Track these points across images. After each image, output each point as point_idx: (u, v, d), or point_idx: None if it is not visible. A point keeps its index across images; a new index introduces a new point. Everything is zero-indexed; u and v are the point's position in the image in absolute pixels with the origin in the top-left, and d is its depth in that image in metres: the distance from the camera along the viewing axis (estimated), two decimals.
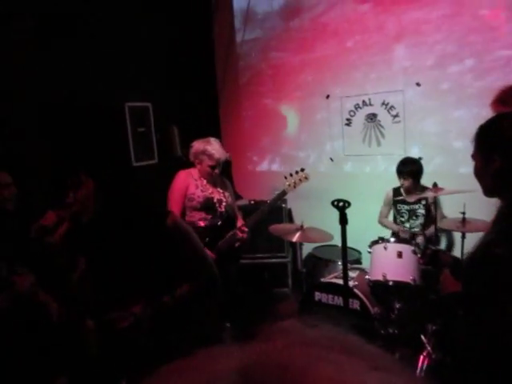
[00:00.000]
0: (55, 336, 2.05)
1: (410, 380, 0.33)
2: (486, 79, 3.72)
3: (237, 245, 3.32)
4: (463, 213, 3.14)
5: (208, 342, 0.37)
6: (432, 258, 2.06)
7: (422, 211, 3.79)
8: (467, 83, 3.87)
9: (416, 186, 3.70)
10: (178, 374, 0.33)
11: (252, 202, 4.60)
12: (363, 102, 4.44)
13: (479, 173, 1.46)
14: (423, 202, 3.77)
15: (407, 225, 3.85)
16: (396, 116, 4.29)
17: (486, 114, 3.73)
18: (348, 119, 4.58)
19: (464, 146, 3.96)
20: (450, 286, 1.63)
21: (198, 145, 3.27)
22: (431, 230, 3.61)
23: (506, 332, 1.24)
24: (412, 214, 3.83)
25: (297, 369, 0.30)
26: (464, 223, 3.14)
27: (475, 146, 1.46)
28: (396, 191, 3.89)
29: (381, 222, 4.02)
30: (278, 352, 0.32)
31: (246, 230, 3.30)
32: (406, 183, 3.69)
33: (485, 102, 3.73)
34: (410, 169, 3.66)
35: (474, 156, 1.48)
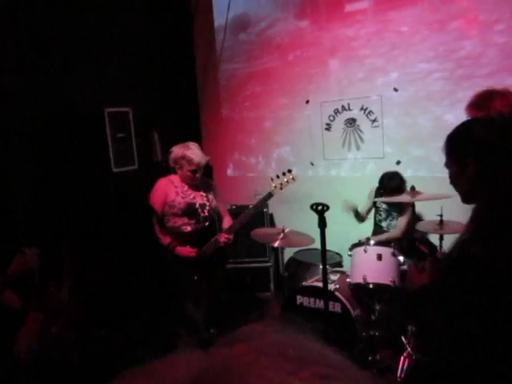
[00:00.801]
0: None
1: None
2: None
3: (222, 241, 3.29)
4: (440, 215, 3.21)
5: (164, 350, 0.38)
6: (410, 249, 1.99)
7: (397, 214, 3.86)
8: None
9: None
10: (133, 380, 0.33)
11: (234, 207, 4.61)
12: (342, 107, 4.50)
13: (455, 180, 1.48)
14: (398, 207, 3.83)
15: (384, 224, 3.91)
16: (375, 120, 4.36)
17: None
18: (328, 124, 4.63)
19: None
20: (415, 281, 1.65)
21: (176, 150, 3.23)
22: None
23: (481, 331, 1.27)
24: (388, 214, 3.89)
25: (239, 376, 0.31)
26: (441, 225, 3.21)
27: (447, 154, 1.48)
28: (378, 190, 3.91)
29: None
30: (227, 359, 0.33)
31: (228, 236, 3.30)
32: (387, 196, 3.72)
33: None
34: (390, 185, 3.66)
35: (447, 164, 1.50)
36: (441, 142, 1.53)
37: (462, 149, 1.43)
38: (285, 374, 0.32)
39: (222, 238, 3.27)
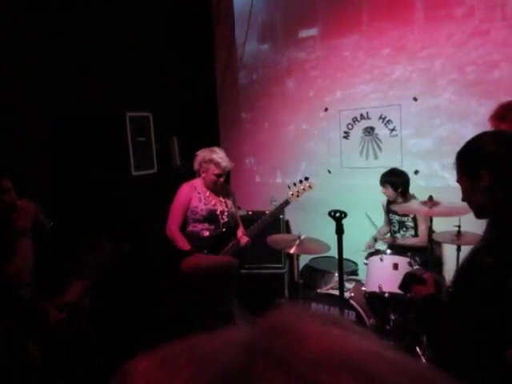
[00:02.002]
0: (52, 341, 2.06)
1: (367, 337, 0.37)
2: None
3: (243, 243, 3.35)
4: (458, 226, 3.18)
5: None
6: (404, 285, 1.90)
7: (410, 224, 3.84)
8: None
9: (402, 198, 3.75)
10: (189, 344, 0.36)
11: (250, 213, 4.63)
12: (361, 115, 4.51)
13: (468, 194, 1.49)
14: (411, 215, 3.82)
15: (398, 235, 3.90)
16: (393, 130, 4.35)
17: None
18: (346, 132, 4.64)
19: None
20: (420, 292, 1.67)
21: (203, 153, 3.29)
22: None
23: (490, 338, 1.27)
24: (401, 225, 3.88)
25: (292, 333, 0.34)
26: (459, 236, 3.18)
27: (458, 169, 1.51)
28: (388, 202, 3.94)
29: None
30: (277, 322, 0.36)
31: (247, 239, 3.34)
32: (386, 192, 3.78)
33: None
34: (389, 178, 3.74)
35: (459, 180, 1.52)
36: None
37: (475, 162, 1.45)
38: (327, 326, 0.35)
39: (244, 239, 3.32)
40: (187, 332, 0.37)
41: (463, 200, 1.54)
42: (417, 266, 3.27)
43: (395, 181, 3.74)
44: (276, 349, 0.32)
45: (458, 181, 1.53)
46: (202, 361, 0.33)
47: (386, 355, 0.34)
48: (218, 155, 3.25)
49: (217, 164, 3.22)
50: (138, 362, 0.35)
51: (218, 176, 3.25)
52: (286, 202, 3.39)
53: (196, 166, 3.32)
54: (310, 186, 3.41)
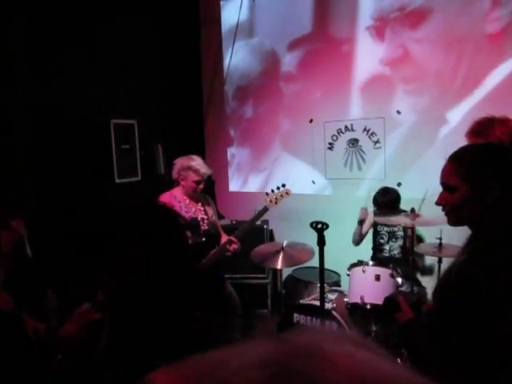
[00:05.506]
0: (30, 353, 2.00)
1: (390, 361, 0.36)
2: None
3: (229, 254, 3.36)
4: (440, 238, 3.22)
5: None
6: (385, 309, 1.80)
7: (400, 233, 3.85)
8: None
9: (394, 212, 3.76)
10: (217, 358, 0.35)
11: (234, 222, 4.62)
12: (345, 127, 4.55)
13: (464, 202, 1.39)
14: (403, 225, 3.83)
15: (386, 247, 3.90)
16: (377, 142, 4.40)
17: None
18: (330, 143, 4.67)
19: None
20: (400, 318, 1.65)
21: (182, 161, 3.31)
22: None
23: (478, 353, 1.27)
24: (391, 236, 3.88)
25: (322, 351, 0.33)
26: (440, 248, 3.21)
27: (461, 175, 1.38)
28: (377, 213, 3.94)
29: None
30: (300, 339, 0.35)
31: (235, 239, 3.33)
32: (380, 211, 3.77)
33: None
34: (383, 199, 3.74)
35: (456, 185, 1.39)
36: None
37: (489, 173, 1.35)
38: (349, 347, 0.35)
39: (232, 245, 3.33)
40: (207, 345, 0.36)
41: (437, 203, 1.47)
42: (399, 278, 3.29)
43: (389, 199, 3.74)
44: (305, 370, 0.31)
45: (451, 184, 1.41)
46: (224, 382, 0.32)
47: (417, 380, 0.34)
48: (196, 162, 3.28)
49: (196, 171, 3.24)
50: (159, 376, 0.34)
51: (198, 183, 3.27)
52: (265, 209, 3.43)
53: (175, 174, 3.34)
54: (287, 193, 3.47)
